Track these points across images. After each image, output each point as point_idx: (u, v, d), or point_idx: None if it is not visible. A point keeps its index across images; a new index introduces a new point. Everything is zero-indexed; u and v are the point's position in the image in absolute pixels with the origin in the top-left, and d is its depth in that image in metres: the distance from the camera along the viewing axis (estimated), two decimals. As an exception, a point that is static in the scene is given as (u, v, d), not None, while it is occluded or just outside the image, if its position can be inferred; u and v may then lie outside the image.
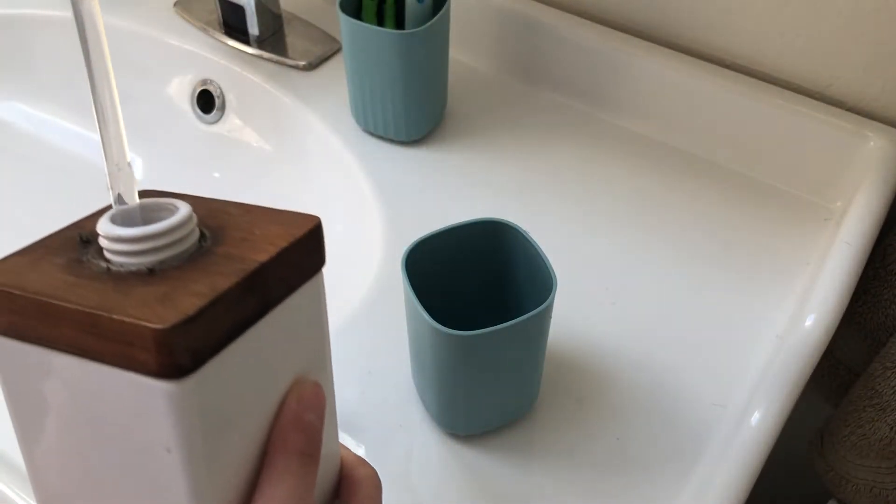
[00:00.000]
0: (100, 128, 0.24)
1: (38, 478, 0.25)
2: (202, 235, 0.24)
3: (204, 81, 0.71)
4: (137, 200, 0.24)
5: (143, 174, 0.74)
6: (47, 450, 0.25)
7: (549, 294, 0.41)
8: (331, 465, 0.29)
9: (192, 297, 0.21)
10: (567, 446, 0.47)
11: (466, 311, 0.47)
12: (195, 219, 0.24)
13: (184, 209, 0.24)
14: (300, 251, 0.25)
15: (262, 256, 0.23)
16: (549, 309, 0.42)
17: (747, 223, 0.59)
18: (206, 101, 0.72)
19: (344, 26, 0.58)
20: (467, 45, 0.70)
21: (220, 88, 0.71)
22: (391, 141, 0.63)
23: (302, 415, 0.25)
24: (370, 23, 0.59)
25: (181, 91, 0.73)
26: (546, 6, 0.66)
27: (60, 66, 0.77)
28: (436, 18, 0.57)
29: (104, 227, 0.23)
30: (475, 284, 0.48)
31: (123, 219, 0.24)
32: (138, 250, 0.23)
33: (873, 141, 0.57)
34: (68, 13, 0.74)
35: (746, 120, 0.61)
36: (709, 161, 0.63)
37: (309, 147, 0.66)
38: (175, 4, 0.74)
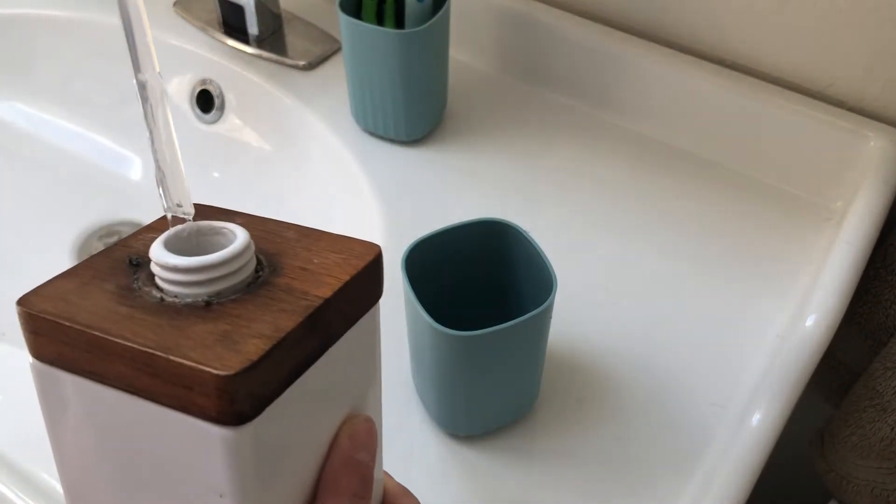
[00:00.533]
0: (150, 133, 0.22)
1: None
2: (259, 263, 0.23)
3: (203, 81, 0.71)
4: (193, 213, 0.23)
5: (143, 174, 0.74)
6: (87, 483, 0.23)
7: (550, 294, 0.41)
8: (376, 494, 0.28)
9: (254, 338, 0.20)
10: (567, 446, 0.47)
11: (466, 311, 0.47)
12: (253, 247, 0.23)
13: (241, 236, 0.22)
14: (361, 283, 0.23)
15: (325, 291, 0.22)
16: (550, 309, 0.42)
17: (748, 223, 0.59)
18: (205, 101, 0.72)
19: (344, 26, 0.58)
20: (467, 45, 0.70)
21: (219, 88, 0.71)
22: (391, 141, 0.63)
23: (354, 455, 0.24)
24: (370, 22, 0.59)
25: (180, 91, 0.73)
26: (546, 6, 0.66)
27: (60, 66, 0.76)
28: (436, 18, 0.57)
29: (158, 254, 0.22)
30: (475, 284, 0.48)
31: (177, 243, 0.23)
32: (194, 281, 0.21)
33: (874, 141, 0.57)
34: (68, 13, 0.75)
35: (746, 120, 0.60)
36: (709, 161, 0.63)
37: (309, 147, 0.66)
38: (175, 4, 0.74)
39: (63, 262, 0.68)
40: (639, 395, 0.49)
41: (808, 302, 0.51)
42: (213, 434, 0.20)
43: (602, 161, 0.63)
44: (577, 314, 0.53)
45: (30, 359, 0.22)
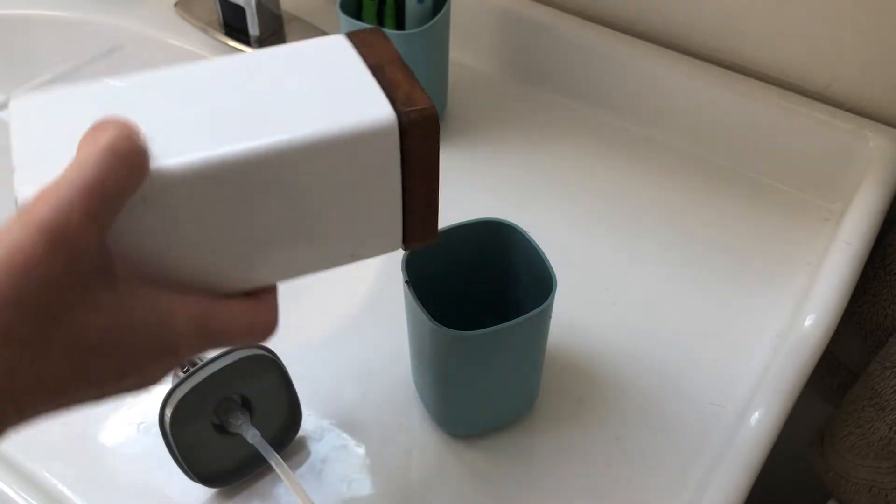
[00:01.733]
0: None
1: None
2: None
3: (204, 81, 0.71)
4: None
5: (144, 174, 0.74)
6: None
7: (549, 294, 0.41)
8: None
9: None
10: (567, 446, 0.47)
11: (467, 311, 0.47)
12: None
13: None
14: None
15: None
16: (549, 309, 0.42)
17: (747, 223, 0.59)
18: (206, 101, 0.72)
19: (344, 26, 0.58)
20: (467, 45, 0.70)
21: (220, 88, 0.71)
22: (391, 141, 0.63)
23: None
24: (370, 23, 0.59)
25: (181, 91, 0.73)
26: (546, 6, 0.66)
27: (60, 66, 0.76)
28: (436, 19, 0.57)
29: None
30: (475, 284, 0.48)
31: None
32: None
33: (873, 141, 0.57)
34: (68, 13, 0.75)
35: (747, 120, 0.61)
36: (709, 161, 0.63)
37: (309, 147, 0.66)
38: (176, 5, 0.74)
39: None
40: (639, 395, 0.49)
41: (807, 302, 0.51)
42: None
43: (601, 161, 0.63)
44: (577, 314, 0.53)
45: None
